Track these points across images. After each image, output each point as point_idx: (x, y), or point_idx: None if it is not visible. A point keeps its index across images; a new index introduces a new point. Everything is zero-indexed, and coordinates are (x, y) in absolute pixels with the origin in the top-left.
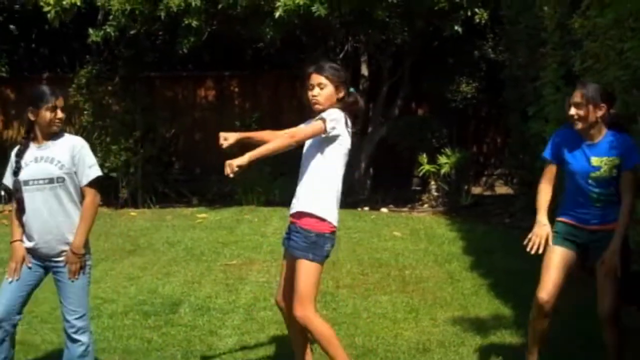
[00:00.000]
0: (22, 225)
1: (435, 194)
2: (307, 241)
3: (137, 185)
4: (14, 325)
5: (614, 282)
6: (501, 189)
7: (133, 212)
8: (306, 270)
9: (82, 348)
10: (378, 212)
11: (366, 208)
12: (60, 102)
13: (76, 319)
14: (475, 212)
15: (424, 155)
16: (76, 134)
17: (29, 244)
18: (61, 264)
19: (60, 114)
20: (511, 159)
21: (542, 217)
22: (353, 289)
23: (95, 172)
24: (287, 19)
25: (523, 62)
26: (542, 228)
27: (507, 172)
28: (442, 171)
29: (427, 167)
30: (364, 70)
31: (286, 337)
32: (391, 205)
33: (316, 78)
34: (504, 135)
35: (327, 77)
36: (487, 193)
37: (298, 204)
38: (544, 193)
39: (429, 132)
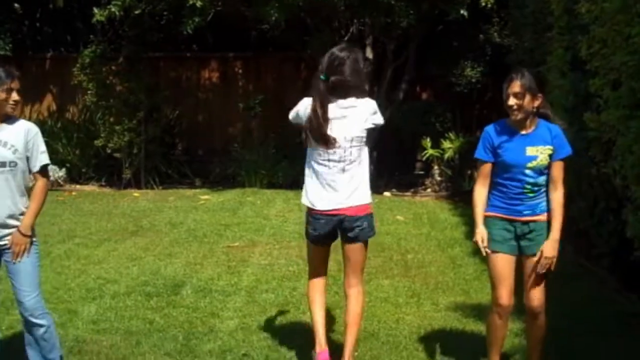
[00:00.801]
0: None
1: (439, 178)
2: None
3: (140, 166)
4: None
5: (543, 275)
6: None
7: (136, 193)
8: None
9: (42, 330)
10: (381, 196)
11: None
12: (15, 84)
13: (29, 300)
14: None
15: (428, 140)
16: (80, 114)
17: None
18: (8, 247)
19: (15, 96)
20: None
21: (480, 226)
22: None
23: (46, 158)
24: (292, 0)
25: (529, 47)
26: (480, 232)
27: None
28: (446, 156)
29: (430, 151)
30: (369, 54)
31: (287, 319)
32: (394, 190)
33: None
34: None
35: None
36: None
37: None
38: (481, 202)
39: (433, 116)
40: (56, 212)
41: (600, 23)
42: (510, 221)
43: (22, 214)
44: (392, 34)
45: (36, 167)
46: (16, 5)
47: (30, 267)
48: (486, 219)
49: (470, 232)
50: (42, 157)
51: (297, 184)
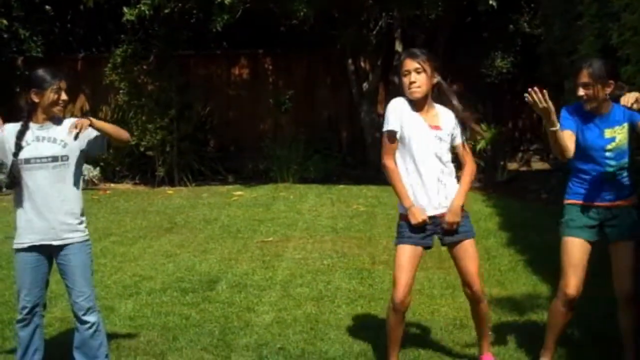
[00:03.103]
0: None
1: None
2: None
3: (173, 163)
4: (41, 317)
5: (633, 260)
6: (537, 165)
7: (170, 190)
8: None
9: (92, 329)
10: None
11: None
12: (63, 84)
13: (84, 299)
14: (511, 188)
15: None
16: (112, 113)
17: (30, 228)
18: (64, 247)
19: (64, 96)
20: (547, 135)
21: None
22: (389, 265)
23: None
24: None
25: (559, 36)
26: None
27: (543, 148)
28: (478, 147)
29: None
30: (398, 47)
31: (322, 312)
32: None
33: (411, 64)
34: None
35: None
36: (523, 169)
37: None
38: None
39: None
40: (91, 210)
41: (631, 10)
42: (592, 207)
43: (77, 210)
44: (421, 26)
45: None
46: (47, 7)
47: (84, 269)
48: (567, 206)
49: (504, 222)
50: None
51: (328, 178)
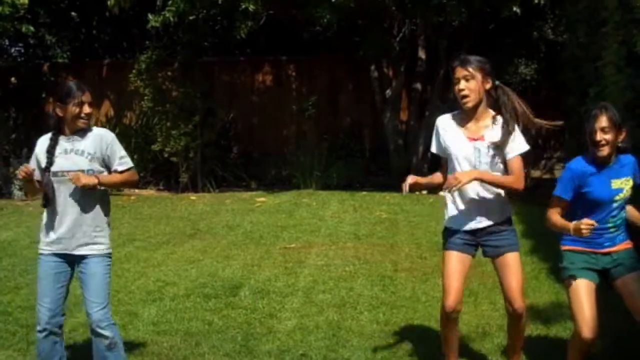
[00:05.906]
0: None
1: None
2: None
3: (197, 169)
4: (61, 327)
5: None
6: (560, 173)
7: (193, 196)
8: None
9: (107, 342)
10: (436, 195)
11: (424, 192)
12: (87, 97)
13: (97, 311)
14: (534, 195)
15: None
16: (137, 119)
17: (53, 237)
18: (85, 257)
19: (87, 109)
20: (570, 142)
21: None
22: (411, 273)
23: (127, 163)
24: (344, 2)
25: (583, 42)
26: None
27: (566, 156)
28: None
29: None
30: (421, 53)
31: (344, 319)
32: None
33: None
34: (563, 117)
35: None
36: (547, 176)
37: None
38: (557, 218)
39: None
40: (116, 216)
41: None
42: (591, 254)
43: (101, 222)
44: (444, 33)
45: (118, 170)
46: (73, 13)
47: (100, 280)
48: (565, 252)
49: (526, 230)
50: (123, 162)
51: (351, 185)
